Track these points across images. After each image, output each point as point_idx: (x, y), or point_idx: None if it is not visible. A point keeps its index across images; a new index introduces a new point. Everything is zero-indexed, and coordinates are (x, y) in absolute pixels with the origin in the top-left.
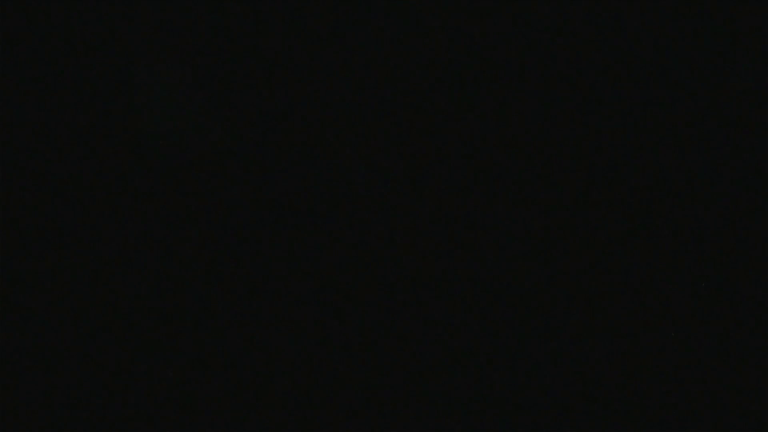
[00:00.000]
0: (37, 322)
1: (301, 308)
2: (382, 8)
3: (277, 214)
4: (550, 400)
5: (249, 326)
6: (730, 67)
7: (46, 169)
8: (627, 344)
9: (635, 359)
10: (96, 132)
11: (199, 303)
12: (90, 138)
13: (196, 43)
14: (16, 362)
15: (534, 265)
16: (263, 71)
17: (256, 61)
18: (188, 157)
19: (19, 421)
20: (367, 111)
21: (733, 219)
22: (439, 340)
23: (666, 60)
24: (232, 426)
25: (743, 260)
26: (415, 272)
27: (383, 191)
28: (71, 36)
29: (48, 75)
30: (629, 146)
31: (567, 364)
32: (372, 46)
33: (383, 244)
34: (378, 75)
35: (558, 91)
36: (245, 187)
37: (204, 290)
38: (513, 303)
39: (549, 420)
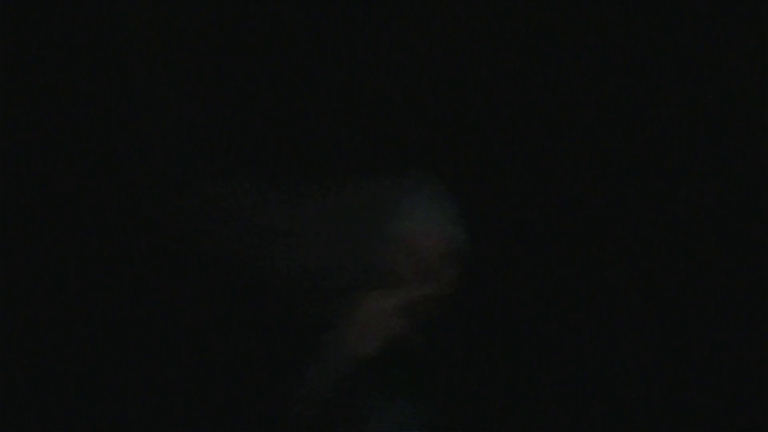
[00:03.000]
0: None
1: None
2: (385, 8)
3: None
4: (549, 400)
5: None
6: (730, 67)
7: (46, 170)
8: (627, 344)
9: (635, 359)
10: (95, 132)
11: (201, 305)
12: (89, 138)
13: (195, 43)
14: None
15: (533, 265)
16: (264, 73)
17: (256, 62)
18: (187, 156)
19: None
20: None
21: (733, 220)
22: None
23: (665, 59)
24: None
25: (743, 261)
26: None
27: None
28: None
29: (48, 75)
30: (629, 146)
31: (565, 363)
32: (376, 46)
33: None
34: (383, 76)
35: (556, 91)
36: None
37: (206, 294)
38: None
39: (548, 420)
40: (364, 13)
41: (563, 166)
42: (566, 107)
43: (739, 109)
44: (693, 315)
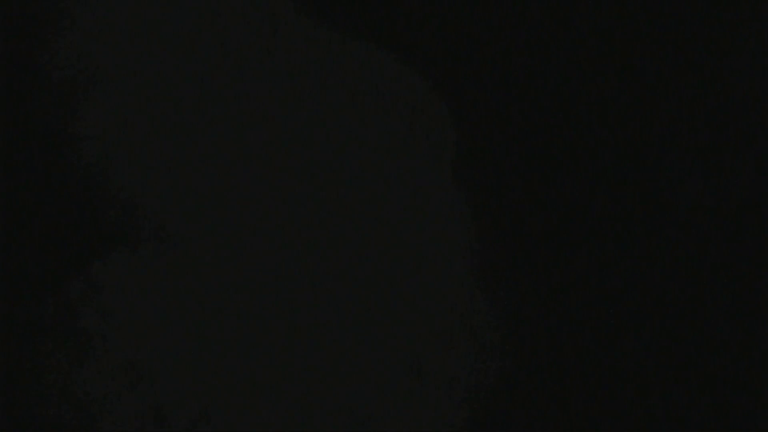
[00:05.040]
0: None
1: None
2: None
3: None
4: (549, 400)
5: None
6: (731, 67)
7: (46, 168)
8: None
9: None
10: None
11: (204, 303)
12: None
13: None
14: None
15: (532, 265)
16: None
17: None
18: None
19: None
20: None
21: (733, 221)
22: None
23: (666, 60)
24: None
25: (743, 261)
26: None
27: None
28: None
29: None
30: (628, 146)
31: (565, 362)
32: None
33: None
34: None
35: (556, 91)
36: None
37: (208, 291)
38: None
39: (547, 419)
40: (366, 14)
41: (563, 166)
42: (565, 107)
43: (739, 109)
44: (693, 315)
